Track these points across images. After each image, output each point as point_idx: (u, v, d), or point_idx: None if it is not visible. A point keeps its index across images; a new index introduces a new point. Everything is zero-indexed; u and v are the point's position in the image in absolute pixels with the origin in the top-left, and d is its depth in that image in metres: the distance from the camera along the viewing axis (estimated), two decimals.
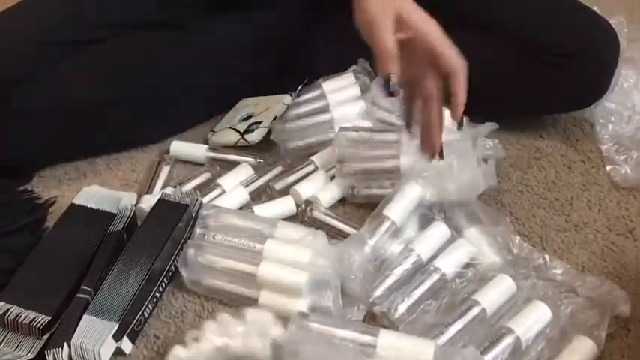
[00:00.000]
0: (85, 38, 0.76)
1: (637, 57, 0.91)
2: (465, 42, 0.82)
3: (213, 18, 0.84)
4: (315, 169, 0.77)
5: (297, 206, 0.72)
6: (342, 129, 0.76)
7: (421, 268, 0.63)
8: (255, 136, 0.79)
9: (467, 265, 0.63)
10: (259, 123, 0.80)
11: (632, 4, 1.21)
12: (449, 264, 0.63)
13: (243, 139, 0.80)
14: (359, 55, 0.87)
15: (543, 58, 0.78)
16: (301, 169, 0.76)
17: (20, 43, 0.73)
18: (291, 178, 0.75)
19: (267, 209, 0.72)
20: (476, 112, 0.86)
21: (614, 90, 0.83)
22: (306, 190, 0.73)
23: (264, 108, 0.82)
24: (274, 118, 0.80)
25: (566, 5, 0.81)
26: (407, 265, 0.63)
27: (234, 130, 0.81)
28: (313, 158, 0.78)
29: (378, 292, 0.61)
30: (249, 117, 0.83)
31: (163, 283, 0.63)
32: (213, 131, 0.83)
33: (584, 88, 0.80)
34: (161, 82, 0.80)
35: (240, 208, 0.73)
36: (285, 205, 0.72)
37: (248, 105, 0.85)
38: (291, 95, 0.83)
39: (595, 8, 0.82)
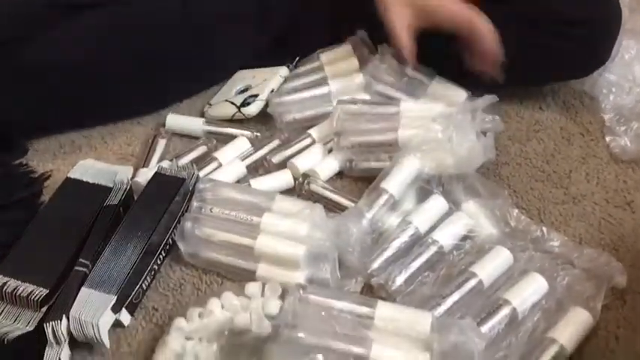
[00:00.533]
0: (81, 2, 0.74)
1: (638, 28, 0.90)
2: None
3: None
4: (313, 142, 0.76)
5: (295, 179, 0.72)
6: (340, 101, 0.75)
7: (419, 241, 0.63)
8: (252, 109, 0.79)
9: (464, 238, 0.63)
10: (256, 96, 0.79)
11: None
12: (446, 236, 0.63)
13: (240, 112, 0.79)
14: (358, 26, 0.86)
15: (544, 26, 0.77)
16: (298, 142, 0.76)
17: (14, 5, 0.72)
18: (289, 152, 0.75)
19: (265, 182, 0.71)
20: (476, 82, 0.86)
21: (614, 60, 0.82)
22: (303, 163, 0.73)
23: (261, 80, 0.81)
24: (271, 91, 0.79)
25: None
26: (404, 237, 0.63)
27: (231, 103, 0.80)
28: (310, 131, 0.77)
29: (376, 265, 0.61)
30: (246, 90, 0.82)
31: (161, 256, 0.63)
32: (209, 104, 0.83)
33: (585, 57, 0.79)
34: (158, 49, 0.78)
35: (238, 182, 0.73)
36: (283, 178, 0.72)
37: (245, 77, 0.84)
38: (288, 67, 0.82)
39: None
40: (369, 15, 0.81)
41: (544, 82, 0.86)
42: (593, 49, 0.78)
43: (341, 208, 0.69)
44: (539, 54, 0.78)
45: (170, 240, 0.64)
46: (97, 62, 0.74)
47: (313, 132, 0.77)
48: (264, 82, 0.81)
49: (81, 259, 0.59)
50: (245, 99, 0.79)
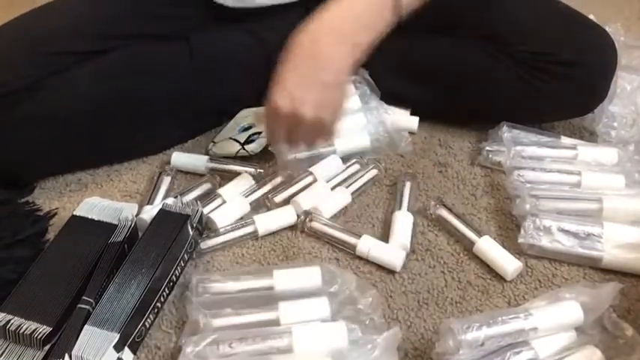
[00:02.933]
0: (88, 49, 0.76)
1: (635, 64, 0.92)
2: (464, 52, 0.83)
3: (213, 30, 0.85)
4: (314, 180, 0.77)
5: (298, 216, 0.73)
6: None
7: None
8: (255, 147, 0.80)
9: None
10: (259, 133, 0.81)
11: (629, 14, 1.22)
12: None
13: (244, 149, 0.80)
14: (359, 65, 0.88)
15: (541, 67, 0.78)
16: (300, 180, 0.77)
17: (24, 53, 0.73)
18: (291, 190, 0.75)
19: (268, 219, 0.72)
20: (475, 119, 0.88)
21: (612, 98, 0.83)
22: (306, 200, 0.73)
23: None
24: None
25: (563, 15, 0.82)
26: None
27: (235, 140, 0.82)
28: (312, 169, 0.78)
29: None
30: (250, 127, 0.83)
31: (165, 294, 0.63)
32: (214, 142, 0.84)
33: (583, 96, 0.81)
34: (162, 93, 0.80)
35: (241, 218, 0.73)
36: (286, 216, 0.72)
37: (248, 115, 0.86)
38: None
39: (591, 16, 0.83)
40: (371, 56, 0.83)
41: (543, 120, 0.87)
42: (591, 88, 0.80)
43: (344, 245, 0.69)
44: (537, 93, 0.80)
45: (174, 277, 0.65)
46: (105, 107, 0.76)
47: (314, 170, 0.78)
48: None
49: (84, 297, 0.60)
50: (249, 136, 0.81)
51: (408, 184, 0.76)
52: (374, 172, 0.79)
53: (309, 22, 0.64)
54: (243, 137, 0.81)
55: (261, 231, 0.71)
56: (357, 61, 0.64)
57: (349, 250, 0.69)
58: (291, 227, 0.73)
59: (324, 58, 0.62)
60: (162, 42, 0.82)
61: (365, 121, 0.83)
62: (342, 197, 0.75)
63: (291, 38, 0.64)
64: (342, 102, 0.66)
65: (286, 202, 0.74)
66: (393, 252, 0.67)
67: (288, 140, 0.66)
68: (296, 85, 0.62)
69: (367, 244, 0.68)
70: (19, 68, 0.72)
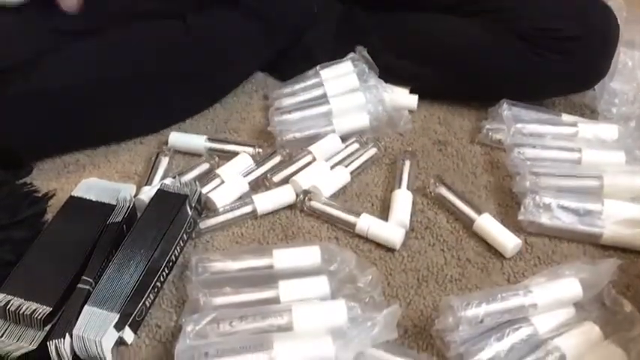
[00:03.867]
0: (84, 27, 0.75)
1: (637, 39, 0.91)
2: (465, 28, 0.82)
3: (211, 7, 0.84)
4: (314, 159, 0.77)
5: (297, 195, 0.72)
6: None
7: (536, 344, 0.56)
8: None
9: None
10: None
11: None
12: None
13: None
14: (357, 43, 0.87)
15: (543, 42, 0.77)
16: (299, 159, 0.76)
17: (18, 30, 0.73)
18: (290, 170, 0.75)
19: (267, 198, 0.72)
20: (475, 96, 0.87)
21: (613, 75, 0.83)
22: (305, 180, 0.73)
23: None
24: None
25: None
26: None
27: None
28: (311, 148, 0.78)
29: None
30: None
31: (164, 273, 0.63)
32: None
33: (584, 71, 0.80)
34: (160, 70, 0.79)
35: (240, 198, 0.73)
36: (285, 194, 0.72)
37: None
38: None
39: None
40: (369, 33, 0.83)
41: (544, 97, 0.87)
42: (592, 63, 0.79)
43: (343, 224, 0.69)
44: (538, 69, 0.79)
45: (173, 257, 0.65)
46: (101, 85, 0.75)
47: (313, 149, 0.77)
48: None
49: (84, 277, 0.60)
50: None
51: (407, 163, 0.76)
52: (373, 150, 0.79)
53: None
54: None
55: (260, 210, 0.71)
56: None
57: (348, 229, 0.69)
58: (290, 206, 0.72)
59: None
60: (159, 21, 0.81)
61: (364, 100, 0.82)
62: (342, 176, 0.75)
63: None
64: None
65: (285, 181, 0.74)
66: (392, 230, 0.67)
67: None
68: None
69: (366, 223, 0.68)
70: (14, 46, 0.71)
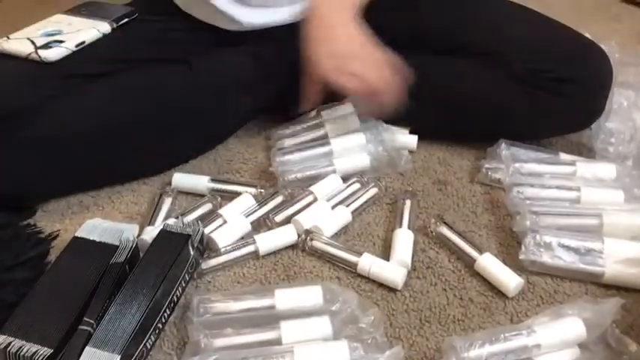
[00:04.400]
0: (90, 72, 0.77)
1: (630, 80, 0.93)
2: (463, 70, 0.84)
3: (214, 52, 0.86)
4: (315, 199, 0.77)
5: (299, 236, 0.73)
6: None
7: None
8: (50, 54, 0.74)
9: None
10: (61, 42, 0.75)
11: (623, 32, 1.23)
12: None
13: (37, 53, 0.73)
14: None
15: (538, 83, 0.79)
16: (301, 199, 0.77)
17: (27, 75, 0.74)
18: (291, 210, 0.76)
19: (269, 238, 0.72)
20: (474, 136, 0.89)
21: (609, 114, 0.84)
22: (307, 219, 0.73)
23: (76, 29, 0.78)
24: (81, 43, 0.76)
25: (558, 33, 0.83)
26: None
27: (31, 42, 0.75)
28: (312, 189, 0.78)
29: None
30: (55, 34, 0.77)
31: (166, 314, 0.63)
32: (8, 37, 0.77)
33: (580, 112, 0.81)
34: (163, 115, 0.81)
35: (242, 238, 0.73)
36: (287, 234, 0.73)
37: (60, 22, 0.81)
38: (110, 24, 0.80)
39: (586, 34, 0.84)
40: None
41: (541, 136, 0.88)
42: (587, 104, 0.81)
43: (345, 264, 0.69)
44: (535, 109, 0.81)
45: (175, 297, 0.65)
46: (108, 131, 0.77)
47: (315, 189, 0.78)
48: (77, 32, 0.78)
49: (85, 318, 0.59)
50: (48, 42, 0.75)
51: (408, 202, 0.76)
52: (374, 190, 0.79)
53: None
54: (41, 41, 0.75)
55: (262, 250, 0.71)
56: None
57: (350, 269, 0.69)
58: (292, 246, 0.73)
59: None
60: (164, 65, 0.83)
61: (364, 141, 0.84)
62: (343, 216, 0.75)
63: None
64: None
65: (287, 221, 0.75)
66: (394, 270, 0.67)
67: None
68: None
69: (368, 262, 0.68)
70: (22, 91, 0.73)
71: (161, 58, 0.83)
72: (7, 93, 0.73)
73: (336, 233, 0.74)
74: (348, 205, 0.76)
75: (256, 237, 0.72)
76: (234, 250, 0.71)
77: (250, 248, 0.71)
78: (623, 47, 0.92)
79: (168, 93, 0.82)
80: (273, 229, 0.73)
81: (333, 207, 0.76)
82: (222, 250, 0.71)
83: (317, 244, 0.71)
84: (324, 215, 0.75)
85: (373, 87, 0.74)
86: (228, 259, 0.71)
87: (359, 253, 0.69)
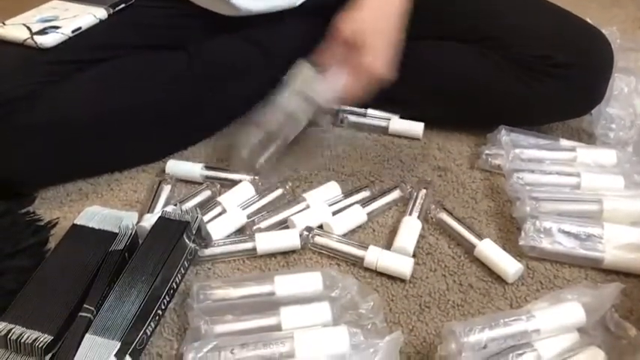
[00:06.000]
0: (87, 58, 0.77)
1: (631, 66, 0.92)
2: (463, 55, 0.84)
3: (211, 39, 0.85)
4: (307, 207, 0.74)
5: (300, 234, 0.70)
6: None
7: None
8: (47, 40, 0.73)
9: None
10: (57, 28, 0.75)
11: (624, 17, 1.22)
12: None
13: (32, 39, 0.73)
14: None
15: (539, 69, 0.79)
16: (292, 206, 0.74)
17: (23, 61, 0.74)
18: (280, 216, 0.73)
19: (269, 239, 0.70)
20: (474, 122, 0.88)
21: (609, 100, 0.84)
22: (306, 220, 0.72)
23: (72, 15, 0.78)
24: (77, 29, 0.75)
25: (559, 17, 0.82)
26: None
27: (27, 27, 0.74)
28: (305, 195, 0.75)
29: None
30: (51, 20, 0.76)
31: (165, 301, 0.63)
32: (3, 23, 0.77)
33: (580, 97, 0.81)
34: (161, 102, 0.80)
35: (239, 230, 0.72)
36: (289, 238, 0.70)
37: (56, 7, 0.80)
38: (107, 10, 0.80)
39: (587, 19, 0.84)
40: None
41: (542, 122, 0.88)
42: (587, 89, 0.80)
43: (351, 258, 0.68)
44: (535, 94, 0.80)
45: (174, 284, 0.65)
46: (105, 117, 0.76)
47: (308, 196, 0.75)
48: (73, 18, 0.77)
49: (85, 305, 0.59)
50: (44, 28, 0.74)
51: (423, 192, 0.75)
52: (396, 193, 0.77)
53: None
54: (37, 27, 0.74)
55: (260, 250, 0.69)
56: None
57: (357, 263, 0.68)
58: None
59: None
60: (162, 51, 0.83)
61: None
62: (357, 215, 0.73)
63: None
64: None
65: (272, 227, 0.72)
66: (401, 261, 0.67)
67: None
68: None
69: (375, 256, 0.67)
70: (18, 77, 0.72)
71: (158, 45, 0.83)
72: (2, 79, 0.72)
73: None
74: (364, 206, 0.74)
75: (257, 235, 0.69)
76: (232, 244, 0.70)
77: (249, 245, 0.69)
78: (623, 33, 0.92)
79: (166, 79, 0.81)
80: (275, 231, 0.71)
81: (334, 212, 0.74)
82: (221, 242, 0.70)
83: (320, 240, 0.70)
84: (324, 217, 0.72)
85: (376, 71, 0.73)
86: (225, 252, 0.70)
87: (364, 247, 0.68)
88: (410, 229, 0.71)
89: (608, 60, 0.79)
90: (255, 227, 0.72)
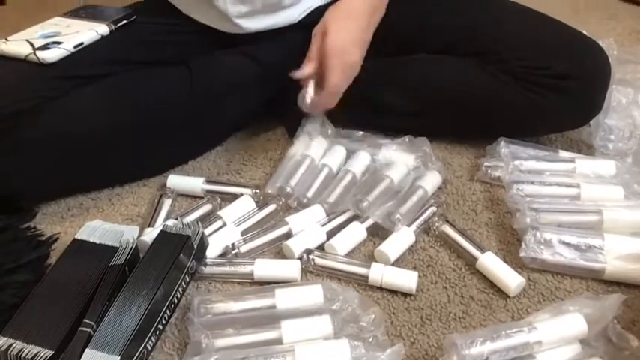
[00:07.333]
0: (88, 73, 0.78)
1: (629, 78, 0.93)
2: (461, 69, 0.84)
3: (213, 54, 0.86)
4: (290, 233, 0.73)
5: (299, 258, 0.69)
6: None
7: None
8: (49, 55, 0.74)
9: None
10: (59, 44, 0.76)
11: (621, 30, 1.24)
12: None
13: (35, 54, 0.74)
14: (357, 84, 0.89)
15: (537, 80, 0.79)
16: (274, 230, 0.73)
17: (27, 76, 0.74)
18: (261, 240, 0.72)
19: (269, 267, 0.68)
20: (473, 134, 0.89)
21: (607, 111, 0.84)
22: (301, 244, 0.70)
23: (74, 31, 0.79)
24: (80, 44, 0.77)
25: (556, 30, 0.83)
26: None
27: (30, 43, 0.75)
28: (287, 219, 0.74)
29: None
30: (54, 36, 0.78)
31: (166, 315, 0.63)
32: (6, 39, 0.77)
33: (578, 108, 0.81)
34: (162, 116, 0.81)
35: (232, 245, 0.71)
36: (289, 269, 0.68)
37: (59, 24, 0.81)
38: (108, 26, 0.81)
39: (585, 32, 0.84)
40: (370, 77, 0.85)
41: (540, 134, 0.88)
42: (585, 100, 0.81)
43: (354, 277, 0.67)
44: (533, 107, 0.81)
45: (175, 299, 0.64)
46: (106, 131, 0.77)
47: (291, 220, 0.74)
48: (75, 34, 0.78)
49: (86, 320, 0.59)
50: (46, 44, 0.75)
51: (431, 209, 0.75)
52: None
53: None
54: (40, 43, 0.75)
55: (257, 277, 0.68)
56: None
57: (361, 281, 0.67)
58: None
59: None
60: (163, 66, 0.83)
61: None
62: (358, 233, 0.73)
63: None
64: None
65: (253, 251, 0.71)
66: (406, 276, 0.66)
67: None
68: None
69: (379, 273, 0.66)
70: (21, 92, 0.73)
71: (159, 60, 0.83)
72: (5, 94, 0.72)
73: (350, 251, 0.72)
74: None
75: (257, 260, 0.68)
76: (231, 265, 0.69)
77: (247, 269, 0.68)
78: (621, 45, 0.93)
79: (167, 94, 0.82)
80: (275, 260, 0.70)
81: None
82: (217, 261, 0.69)
83: (321, 261, 0.69)
84: (320, 238, 0.72)
85: (336, 87, 0.76)
86: (222, 273, 0.69)
87: (367, 265, 0.67)
88: (399, 238, 0.71)
89: (605, 71, 0.80)
90: (234, 251, 0.70)
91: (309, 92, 0.78)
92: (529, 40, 0.81)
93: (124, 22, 0.83)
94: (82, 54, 0.77)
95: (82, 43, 0.78)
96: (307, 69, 0.77)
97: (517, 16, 0.85)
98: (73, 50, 0.77)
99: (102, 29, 0.81)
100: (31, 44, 0.76)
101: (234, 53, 0.86)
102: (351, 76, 0.77)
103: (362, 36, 0.77)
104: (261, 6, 0.81)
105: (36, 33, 0.80)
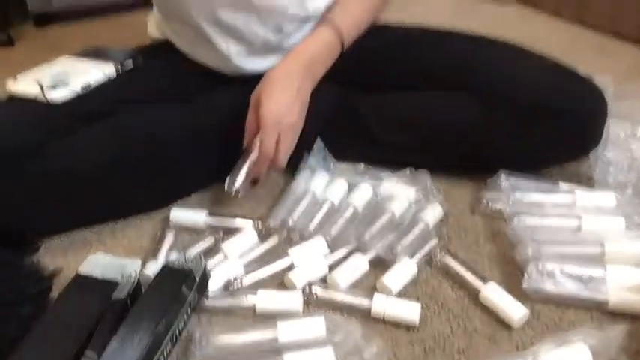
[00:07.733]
0: (93, 112, 0.79)
1: (626, 112, 0.94)
2: (457, 105, 0.86)
3: (214, 90, 0.88)
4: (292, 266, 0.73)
5: (302, 291, 0.69)
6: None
7: None
8: (56, 95, 0.76)
9: None
10: (67, 84, 0.78)
11: (617, 70, 1.26)
12: None
13: (43, 94, 0.76)
14: (354, 121, 0.90)
15: (532, 117, 0.80)
16: (276, 261, 0.73)
17: (32, 115, 0.76)
18: (264, 272, 0.72)
19: (270, 299, 0.68)
20: (473, 169, 0.89)
21: (606, 145, 0.85)
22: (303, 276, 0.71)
23: (82, 72, 0.81)
24: (86, 85, 0.79)
25: (552, 68, 0.85)
26: None
27: (38, 83, 0.78)
28: (290, 251, 0.74)
29: None
30: (63, 76, 0.80)
31: (168, 348, 0.63)
32: (16, 77, 0.79)
33: (575, 143, 0.82)
34: (165, 151, 0.82)
35: (234, 279, 0.71)
36: (291, 301, 0.68)
37: (67, 64, 0.83)
38: (115, 67, 0.82)
39: (581, 67, 0.86)
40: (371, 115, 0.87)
41: (540, 167, 0.89)
42: (582, 135, 0.82)
43: (357, 309, 0.67)
44: (531, 142, 0.82)
45: (177, 331, 0.64)
46: (112, 168, 0.78)
47: (293, 252, 0.74)
48: (83, 74, 0.80)
49: (87, 352, 0.59)
50: (55, 84, 0.77)
51: (433, 241, 0.76)
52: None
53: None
54: (48, 82, 0.77)
55: (259, 310, 0.68)
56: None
57: (363, 313, 0.67)
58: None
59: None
60: (166, 104, 0.85)
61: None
62: (360, 265, 0.72)
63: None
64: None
65: (255, 284, 0.71)
66: (409, 307, 0.66)
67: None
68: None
69: (382, 305, 0.66)
70: (28, 130, 0.75)
71: (163, 99, 0.85)
72: (14, 132, 0.74)
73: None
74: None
75: (259, 292, 0.68)
76: (232, 297, 0.69)
77: (249, 301, 0.68)
78: (617, 84, 0.94)
79: (170, 132, 0.84)
80: (277, 291, 0.69)
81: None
82: (220, 294, 0.69)
83: (324, 294, 0.69)
84: (321, 269, 0.72)
85: (269, 157, 0.79)
86: (224, 306, 0.68)
87: (369, 297, 0.67)
88: (402, 270, 0.70)
89: (600, 104, 0.81)
90: (236, 284, 0.70)
91: (242, 175, 0.78)
92: (521, 77, 0.82)
93: (131, 62, 0.86)
94: (89, 94, 0.79)
95: (89, 84, 0.80)
96: (247, 140, 0.80)
97: (507, 54, 0.87)
98: (80, 91, 0.79)
99: (108, 70, 0.83)
100: (40, 84, 0.79)
101: (234, 89, 0.88)
102: (295, 136, 0.80)
103: (294, 99, 0.79)
104: (261, 47, 0.84)
105: (44, 72, 0.82)
